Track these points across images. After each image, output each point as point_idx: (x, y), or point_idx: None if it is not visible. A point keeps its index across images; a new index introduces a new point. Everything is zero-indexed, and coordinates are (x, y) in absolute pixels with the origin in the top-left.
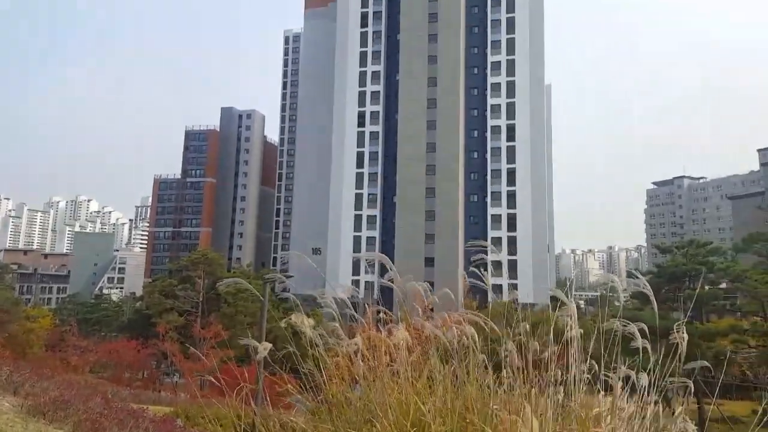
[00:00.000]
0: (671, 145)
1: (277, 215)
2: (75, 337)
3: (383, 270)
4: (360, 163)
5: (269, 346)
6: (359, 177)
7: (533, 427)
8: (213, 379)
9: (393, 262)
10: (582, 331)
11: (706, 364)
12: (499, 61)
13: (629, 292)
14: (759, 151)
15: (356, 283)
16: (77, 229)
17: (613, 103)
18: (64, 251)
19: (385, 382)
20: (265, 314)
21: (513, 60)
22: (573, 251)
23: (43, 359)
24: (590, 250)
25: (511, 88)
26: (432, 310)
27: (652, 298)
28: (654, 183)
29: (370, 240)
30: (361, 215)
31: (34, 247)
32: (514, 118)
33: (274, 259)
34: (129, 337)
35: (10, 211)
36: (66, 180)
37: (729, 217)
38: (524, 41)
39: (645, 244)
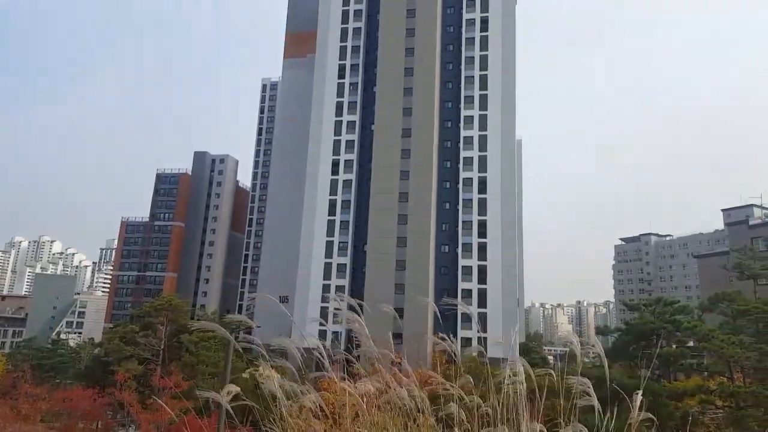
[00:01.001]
0: (640, 201)
1: (245, 261)
2: (28, 384)
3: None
4: (332, 211)
5: (236, 389)
6: (330, 225)
7: None
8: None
9: (362, 313)
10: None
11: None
12: (472, 116)
13: (597, 349)
14: (723, 210)
15: (323, 333)
16: (38, 270)
17: (584, 159)
18: (23, 293)
19: None
20: (230, 364)
21: (485, 115)
22: (542, 305)
23: None
24: (559, 305)
25: (483, 141)
26: (400, 363)
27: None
28: (622, 239)
29: (339, 289)
30: (330, 263)
31: None
32: (485, 171)
33: (240, 306)
34: (85, 385)
35: None
36: (31, 220)
37: (695, 275)
38: (496, 97)
39: (613, 300)
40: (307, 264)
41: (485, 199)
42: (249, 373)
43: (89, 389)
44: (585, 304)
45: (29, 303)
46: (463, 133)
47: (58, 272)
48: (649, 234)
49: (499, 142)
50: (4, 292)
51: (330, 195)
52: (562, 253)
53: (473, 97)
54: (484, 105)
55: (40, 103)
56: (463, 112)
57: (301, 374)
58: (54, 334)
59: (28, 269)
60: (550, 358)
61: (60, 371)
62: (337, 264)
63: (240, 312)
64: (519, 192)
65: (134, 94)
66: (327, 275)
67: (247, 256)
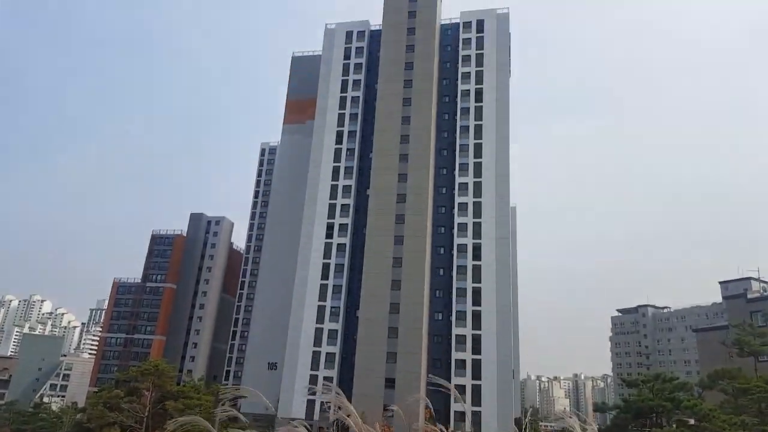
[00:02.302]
0: (636, 272)
1: (235, 325)
2: None
3: (341, 385)
4: (325, 275)
5: None
6: (323, 289)
7: None
8: None
9: (352, 381)
10: None
11: None
12: (467, 183)
13: (596, 427)
14: (721, 283)
15: (311, 404)
16: (26, 330)
17: (578, 229)
18: (9, 353)
19: None
20: None
21: (479, 182)
22: (538, 377)
23: None
24: (556, 378)
25: (477, 208)
26: None
27: None
28: (619, 310)
29: (330, 356)
30: (322, 329)
31: None
32: (480, 238)
33: (227, 372)
34: None
35: None
36: (23, 278)
37: (694, 349)
38: (491, 165)
39: (611, 373)
40: (297, 329)
41: (480, 265)
42: None
43: None
44: (582, 378)
45: (14, 364)
46: (458, 199)
47: (47, 332)
48: (647, 306)
49: (493, 209)
50: None
51: (324, 258)
52: (558, 324)
53: (468, 164)
54: (478, 172)
55: (38, 160)
56: (458, 179)
57: None
58: (37, 397)
59: (16, 328)
60: None
61: None
62: (329, 330)
63: (227, 378)
64: (514, 259)
65: (134, 154)
66: (318, 341)
67: (237, 319)
